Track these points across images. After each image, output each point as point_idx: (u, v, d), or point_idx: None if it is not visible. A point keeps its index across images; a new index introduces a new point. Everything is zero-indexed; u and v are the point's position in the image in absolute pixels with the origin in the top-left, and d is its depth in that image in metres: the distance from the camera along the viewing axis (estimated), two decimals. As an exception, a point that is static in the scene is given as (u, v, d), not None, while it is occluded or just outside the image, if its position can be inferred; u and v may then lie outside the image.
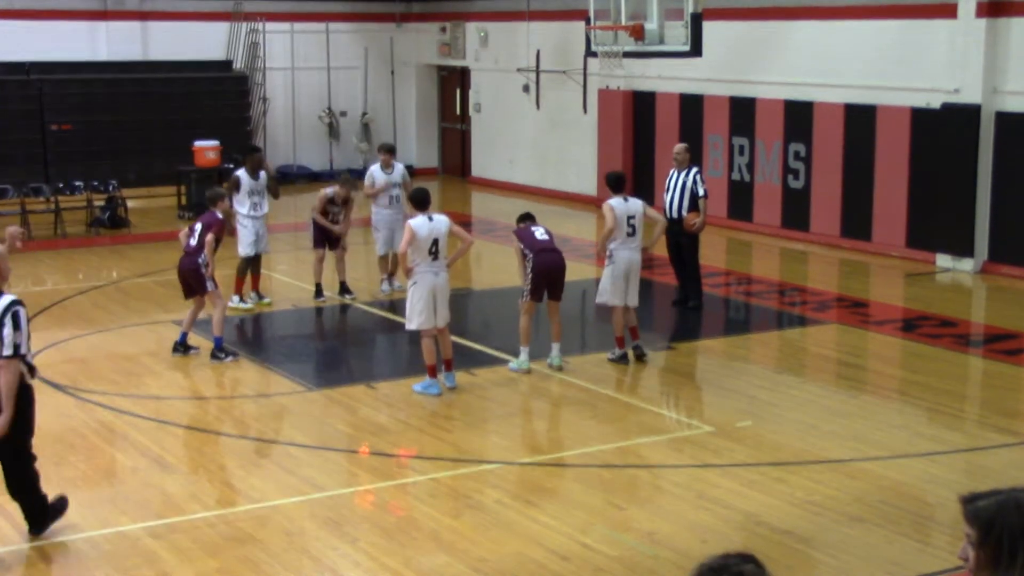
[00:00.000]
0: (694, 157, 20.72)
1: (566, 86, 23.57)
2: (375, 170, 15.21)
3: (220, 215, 12.65)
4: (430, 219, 11.18)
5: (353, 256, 15.99)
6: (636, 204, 12.18)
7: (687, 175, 14.31)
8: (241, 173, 14.59)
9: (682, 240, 14.29)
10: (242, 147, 24.18)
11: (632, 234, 12.10)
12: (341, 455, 9.83)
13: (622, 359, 12.20)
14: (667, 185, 14.47)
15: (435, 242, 11.10)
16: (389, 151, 15.27)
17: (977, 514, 3.57)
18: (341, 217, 14.98)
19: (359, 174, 26.31)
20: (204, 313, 12.72)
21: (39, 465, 9.54)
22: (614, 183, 12.37)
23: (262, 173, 14.78)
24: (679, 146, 14.89)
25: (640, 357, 12.28)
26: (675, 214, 14.33)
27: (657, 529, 8.17)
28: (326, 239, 14.97)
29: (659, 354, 12.64)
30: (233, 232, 14.22)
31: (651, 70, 21.06)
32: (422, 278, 11.12)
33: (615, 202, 12.11)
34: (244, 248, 14.38)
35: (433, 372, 11.29)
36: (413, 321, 11.24)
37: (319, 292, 15.06)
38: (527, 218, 12.34)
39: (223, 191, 13.33)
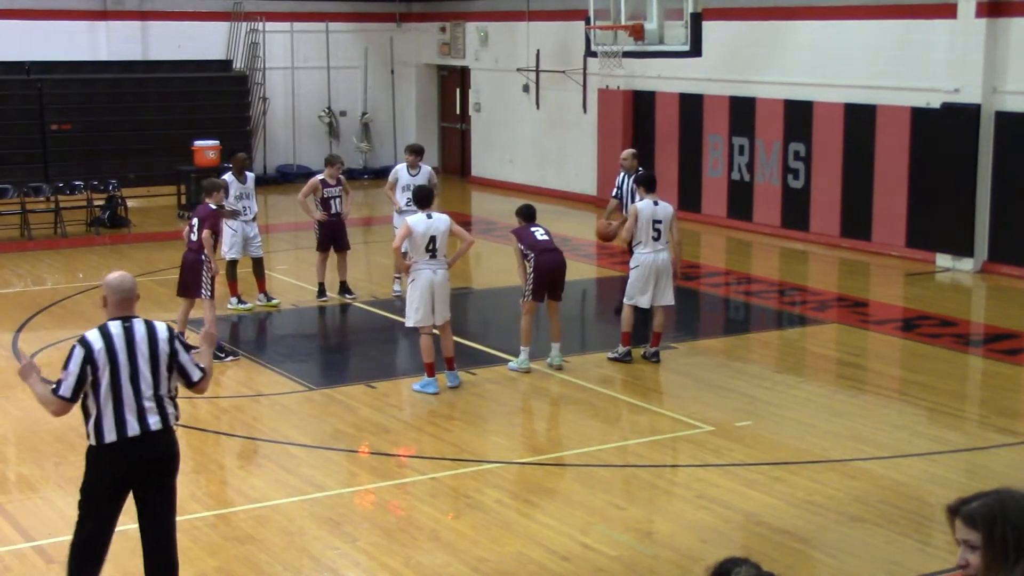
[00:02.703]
0: (694, 157, 20.90)
1: (566, 86, 23.57)
2: (401, 169, 15.10)
3: (213, 206, 12.59)
4: (429, 216, 11.21)
5: (353, 256, 15.97)
6: (666, 208, 12.13)
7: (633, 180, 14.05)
8: (228, 177, 14.54)
9: None
10: (238, 148, 24.37)
11: (657, 238, 12.04)
12: (341, 455, 9.83)
13: (625, 357, 12.19)
14: (617, 188, 14.34)
15: (432, 240, 11.11)
16: (416, 152, 15.12)
17: (977, 515, 3.57)
18: (340, 200, 14.95)
19: (359, 173, 26.44)
20: (196, 313, 12.69)
21: (41, 467, 9.56)
22: (646, 183, 12.33)
23: (249, 175, 14.76)
24: (626, 152, 14.78)
25: (651, 360, 12.26)
26: None
27: (657, 529, 8.17)
28: (331, 241, 14.96)
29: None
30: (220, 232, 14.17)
31: (651, 70, 21.05)
32: (419, 275, 11.15)
33: (643, 205, 12.07)
34: (227, 251, 14.31)
35: (431, 370, 11.29)
36: (411, 318, 11.29)
37: (322, 292, 15.08)
38: (527, 214, 12.30)
39: (218, 182, 13.23)
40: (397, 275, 15.31)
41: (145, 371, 6.36)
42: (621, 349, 12.26)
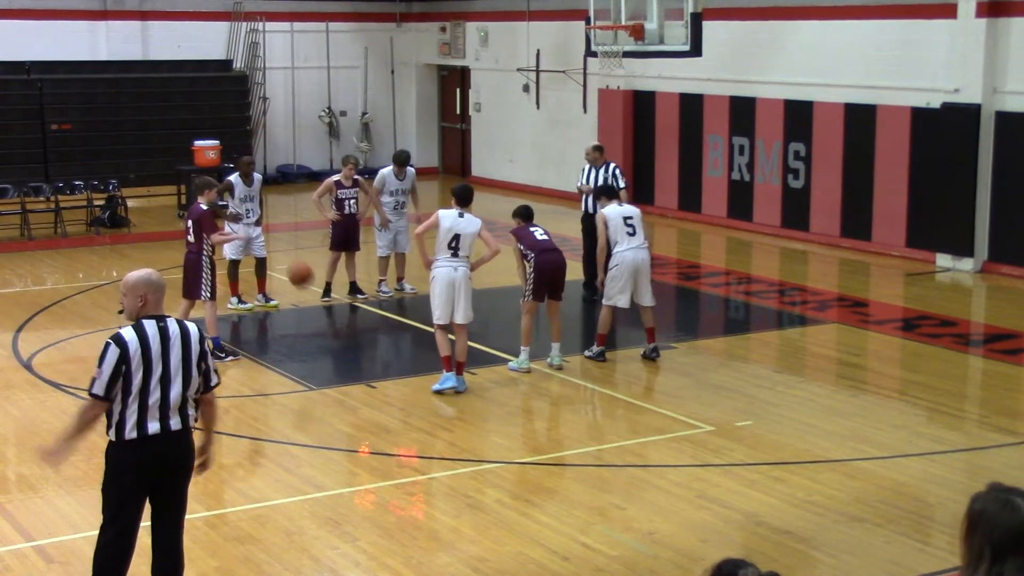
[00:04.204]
0: (694, 157, 20.91)
1: (566, 86, 23.57)
2: (388, 175, 15.18)
3: (204, 206, 12.51)
4: (461, 215, 11.19)
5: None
6: (631, 208, 12.32)
7: (605, 171, 14.66)
8: (234, 178, 14.55)
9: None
10: (242, 147, 24.36)
11: (632, 234, 12.10)
12: (341, 455, 9.84)
13: (599, 357, 12.21)
14: (587, 183, 14.74)
15: (456, 238, 11.08)
16: (402, 164, 15.22)
17: (970, 506, 3.59)
18: (355, 201, 15.01)
19: (360, 173, 26.43)
20: (196, 313, 12.70)
21: (41, 467, 9.53)
22: (607, 192, 12.56)
23: (256, 178, 14.74)
24: (590, 145, 15.23)
25: (651, 357, 12.28)
26: (592, 209, 14.56)
27: (657, 529, 8.17)
28: (345, 242, 14.99)
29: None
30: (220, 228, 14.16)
31: (651, 70, 21.06)
32: (439, 272, 11.12)
33: (608, 210, 12.20)
34: (228, 251, 14.32)
35: (448, 364, 11.24)
36: (435, 315, 11.24)
37: (327, 292, 15.08)
38: (525, 215, 12.34)
39: (210, 179, 13.18)
40: (382, 277, 15.34)
41: (177, 372, 6.36)
42: (595, 349, 12.29)
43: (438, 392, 11.19)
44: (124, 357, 6.26)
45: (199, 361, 6.47)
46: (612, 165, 14.95)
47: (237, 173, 14.68)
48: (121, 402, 6.31)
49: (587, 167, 14.89)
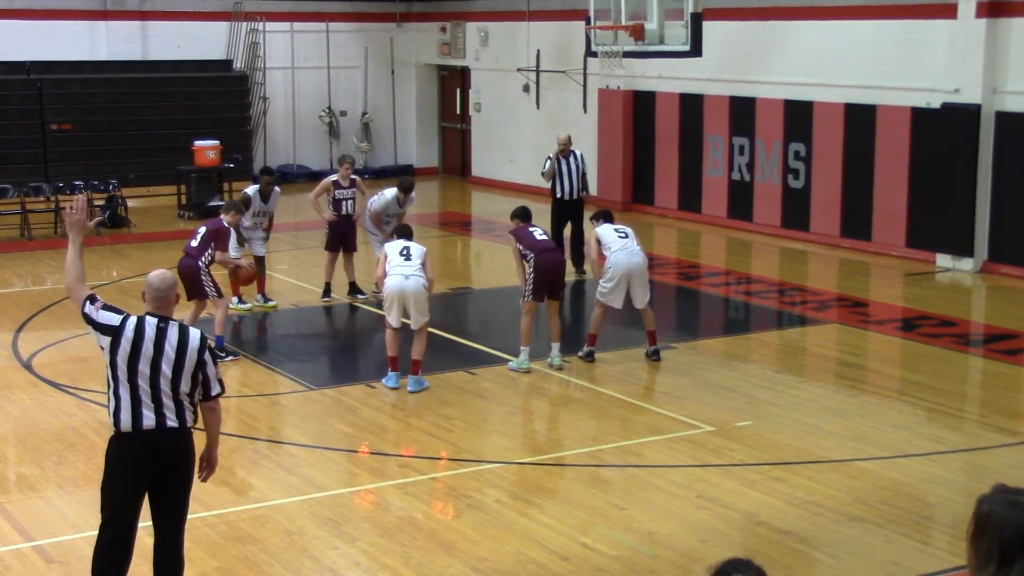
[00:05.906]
0: (694, 157, 20.93)
1: (566, 86, 23.57)
2: (391, 201, 14.93)
3: (227, 223, 12.71)
4: (406, 242, 11.61)
5: (355, 255, 15.96)
6: (624, 227, 12.45)
7: (574, 159, 16.29)
8: (253, 193, 14.54)
9: (573, 220, 16.25)
10: (242, 147, 24.35)
11: (624, 237, 12.10)
12: (341, 455, 9.84)
13: (587, 357, 12.22)
14: (559, 171, 16.26)
15: (406, 247, 11.39)
16: (407, 190, 15.05)
17: (976, 517, 3.57)
18: (352, 202, 14.97)
19: (359, 173, 26.43)
20: (206, 313, 12.73)
21: (41, 467, 9.55)
22: (605, 215, 12.74)
23: (273, 196, 14.71)
24: (565, 135, 16.67)
25: (652, 359, 12.29)
26: (574, 195, 16.34)
27: (657, 529, 8.17)
28: (339, 242, 14.97)
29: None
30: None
31: (651, 70, 21.06)
32: (389, 281, 11.25)
33: (601, 228, 12.34)
34: (230, 251, 14.34)
35: (394, 364, 11.45)
36: (386, 318, 11.47)
37: (327, 292, 15.08)
38: (523, 215, 12.37)
39: (241, 207, 13.44)
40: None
41: (167, 372, 6.39)
42: (585, 349, 12.31)
43: (383, 383, 11.47)
44: (118, 330, 6.42)
45: (195, 370, 6.47)
46: (579, 153, 16.47)
47: (257, 188, 14.66)
48: (115, 394, 6.39)
49: (551, 155, 16.27)
